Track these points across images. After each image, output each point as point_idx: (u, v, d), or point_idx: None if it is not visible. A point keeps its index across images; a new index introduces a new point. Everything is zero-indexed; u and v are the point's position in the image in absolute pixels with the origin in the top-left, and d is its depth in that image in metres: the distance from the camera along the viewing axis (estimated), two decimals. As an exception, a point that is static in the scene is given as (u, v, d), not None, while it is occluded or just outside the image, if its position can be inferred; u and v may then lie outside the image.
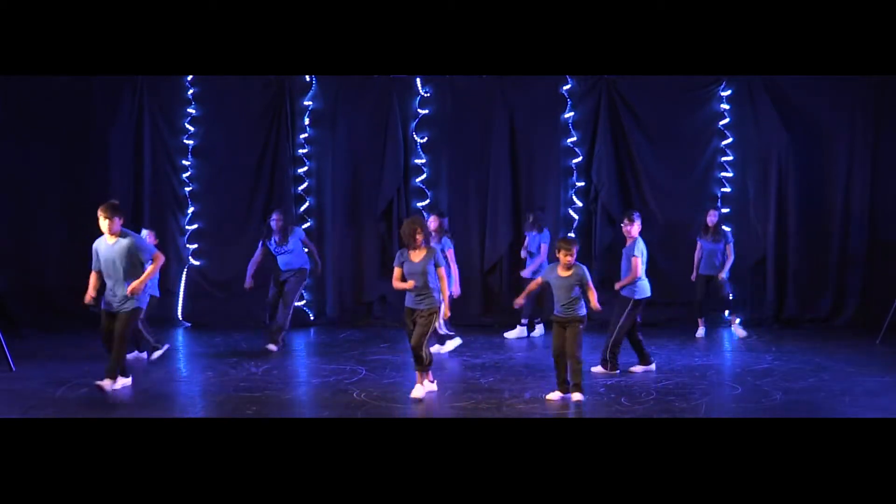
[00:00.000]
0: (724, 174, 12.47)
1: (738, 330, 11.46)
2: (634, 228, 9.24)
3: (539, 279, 8.35)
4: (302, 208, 12.60)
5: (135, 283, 8.24)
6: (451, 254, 10.34)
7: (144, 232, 10.16)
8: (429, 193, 12.56)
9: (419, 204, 12.46)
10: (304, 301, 12.51)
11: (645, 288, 9.16)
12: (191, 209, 12.56)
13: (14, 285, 11.94)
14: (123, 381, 8.48)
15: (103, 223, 8.23)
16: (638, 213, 9.45)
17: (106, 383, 8.19)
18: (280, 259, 10.56)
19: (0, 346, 9.21)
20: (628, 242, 9.27)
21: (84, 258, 12.01)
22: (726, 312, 12.04)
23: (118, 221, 8.26)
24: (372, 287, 12.61)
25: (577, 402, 7.94)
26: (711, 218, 11.46)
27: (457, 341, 10.50)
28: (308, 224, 12.55)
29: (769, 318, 12.31)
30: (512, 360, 10.12)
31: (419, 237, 8.06)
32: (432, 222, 10.36)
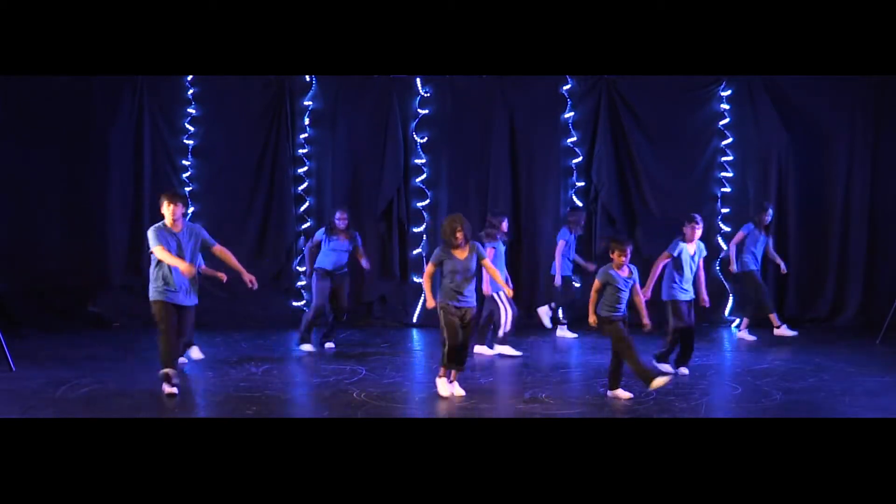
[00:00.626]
0: (724, 174, 12.48)
1: (746, 335, 11.37)
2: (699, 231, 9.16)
3: (598, 282, 8.23)
4: (302, 208, 12.60)
5: (245, 273, 8.35)
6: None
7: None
8: (429, 193, 12.56)
9: (419, 204, 12.47)
10: (304, 301, 12.52)
11: None
12: (191, 209, 12.56)
13: (14, 285, 11.93)
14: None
15: (171, 209, 8.03)
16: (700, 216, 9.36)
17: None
18: (333, 256, 10.61)
19: (0, 346, 9.21)
20: (695, 246, 9.17)
21: (83, 257, 12.16)
22: (726, 313, 12.06)
23: (182, 208, 8.13)
24: (372, 287, 12.60)
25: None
26: (769, 217, 11.21)
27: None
28: (308, 224, 12.57)
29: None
30: (512, 360, 10.11)
31: (459, 234, 8.05)
32: (505, 224, 10.39)
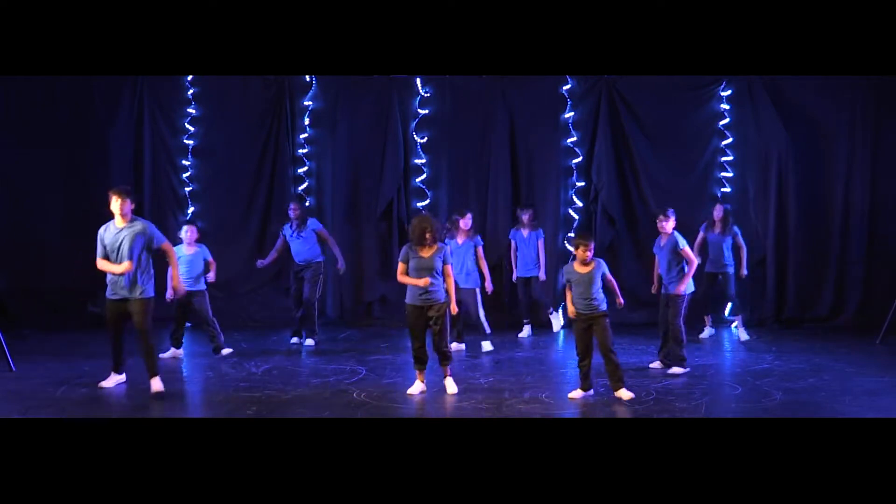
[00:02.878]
0: (724, 174, 12.47)
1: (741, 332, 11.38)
2: (669, 224, 9.17)
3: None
4: (302, 208, 12.61)
5: (176, 278, 8.53)
6: (481, 251, 10.49)
7: (185, 228, 10.25)
8: (429, 193, 12.56)
9: (419, 204, 12.47)
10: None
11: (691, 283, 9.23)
12: (191, 209, 12.56)
13: (14, 285, 11.94)
14: (117, 379, 8.50)
15: (116, 203, 8.01)
16: (672, 210, 9.37)
17: (155, 383, 8.20)
18: (293, 247, 10.73)
19: (0, 346, 9.21)
20: (664, 240, 9.19)
21: (84, 258, 12.12)
22: (726, 313, 12.04)
23: (130, 204, 8.10)
24: (372, 287, 12.61)
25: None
26: (718, 213, 11.26)
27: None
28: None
29: (769, 318, 12.31)
30: (512, 360, 10.12)
31: (428, 236, 8.08)
32: (468, 221, 10.44)
